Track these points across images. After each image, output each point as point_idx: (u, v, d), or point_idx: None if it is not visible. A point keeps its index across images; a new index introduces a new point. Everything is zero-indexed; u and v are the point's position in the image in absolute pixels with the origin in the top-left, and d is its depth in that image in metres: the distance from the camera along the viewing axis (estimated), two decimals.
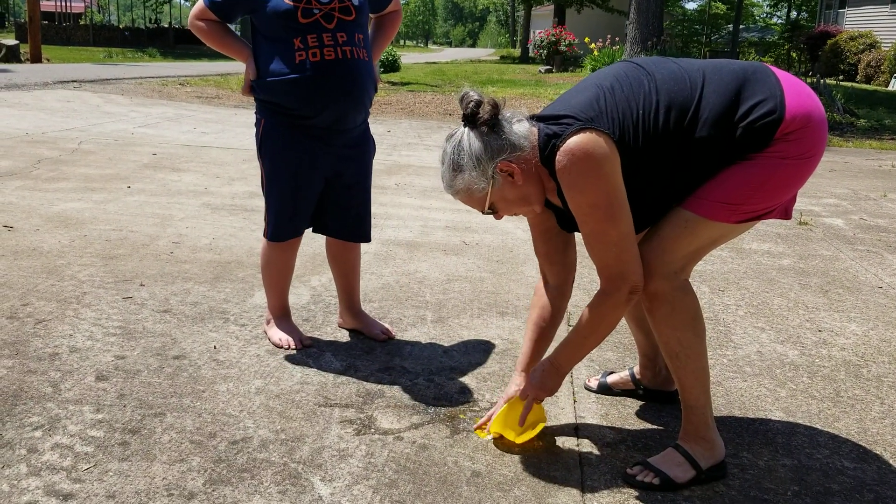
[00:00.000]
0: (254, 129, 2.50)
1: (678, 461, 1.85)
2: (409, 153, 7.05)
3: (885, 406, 2.31)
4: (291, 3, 2.27)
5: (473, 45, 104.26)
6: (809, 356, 2.68)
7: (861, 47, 20.28)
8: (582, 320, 1.82)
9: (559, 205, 1.85)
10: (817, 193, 5.84)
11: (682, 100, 1.70)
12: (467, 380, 2.37)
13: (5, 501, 1.66)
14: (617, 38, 19.69)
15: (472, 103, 1.76)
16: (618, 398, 2.29)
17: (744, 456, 1.99)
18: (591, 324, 1.81)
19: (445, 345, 2.65)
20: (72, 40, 29.35)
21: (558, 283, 2.04)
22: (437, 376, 2.39)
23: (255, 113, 2.46)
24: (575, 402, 2.26)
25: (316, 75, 2.28)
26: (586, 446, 2.01)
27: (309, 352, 2.53)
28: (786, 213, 1.84)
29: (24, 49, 18.66)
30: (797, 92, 1.71)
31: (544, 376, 1.92)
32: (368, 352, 2.56)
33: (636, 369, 2.29)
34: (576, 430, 2.10)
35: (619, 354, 2.62)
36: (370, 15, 2.53)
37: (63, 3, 33.43)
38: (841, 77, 19.68)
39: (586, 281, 3.27)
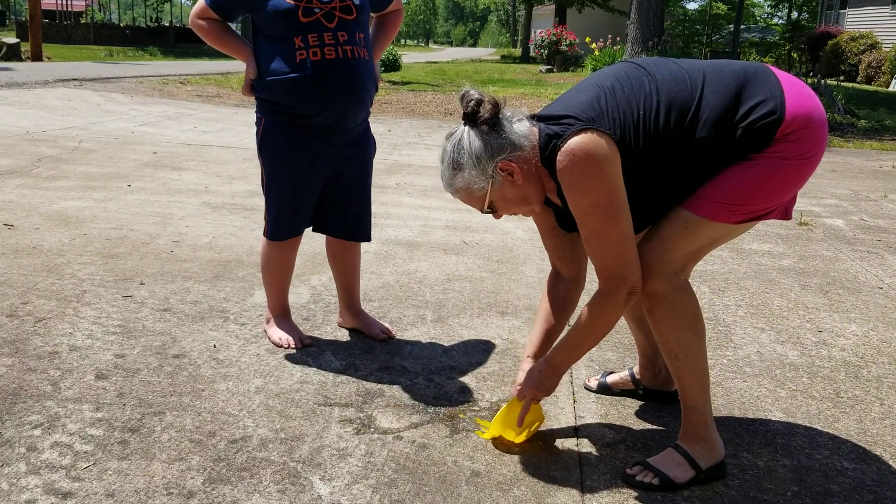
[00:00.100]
0: (254, 128, 2.50)
1: (678, 461, 1.85)
2: (410, 152, 7.05)
3: (884, 407, 2.31)
4: (292, 2, 2.26)
5: (474, 45, 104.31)
6: (809, 357, 2.67)
7: (862, 48, 20.27)
8: (580, 320, 1.82)
9: (559, 204, 1.85)
10: (818, 194, 5.84)
11: (683, 100, 1.70)
12: (467, 379, 2.37)
13: (4, 500, 1.66)
14: (618, 38, 19.69)
15: (473, 102, 1.76)
16: (617, 398, 2.28)
17: (743, 456, 1.99)
18: (589, 323, 1.81)
19: (445, 344, 2.64)
20: (72, 39, 29.37)
21: (572, 276, 2.05)
22: (437, 376, 2.39)
23: (256, 112, 2.46)
24: (574, 402, 2.26)
25: (316, 74, 2.28)
26: (586, 446, 2.01)
27: (309, 351, 2.53)
28: (786, 214, 1.84)
29: (25, 47, 18.67)
30: (797, 92, 1.71)
31: (542, 376, 1.92)
32: (368, 351, 2.56)
33: (636, 369, 2.29)
34: (575, 430, 2.09)
35: (618, 354, 2.62)
36: (371, 14, 2.53)
37: (64, 2, 33.48)
38: (842, 78, 19.67)
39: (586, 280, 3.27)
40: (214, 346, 2.51)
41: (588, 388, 2.34)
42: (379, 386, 2.30)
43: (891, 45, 19.41)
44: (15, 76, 12.39)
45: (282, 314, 2.63)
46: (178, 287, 3.07)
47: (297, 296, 3.01)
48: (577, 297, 2.07)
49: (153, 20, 38.70)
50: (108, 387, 2.20)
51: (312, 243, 3.57)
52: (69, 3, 34.02)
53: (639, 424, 2.14)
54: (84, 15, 35.42)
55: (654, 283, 1.76)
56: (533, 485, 1.82)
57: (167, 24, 35.47)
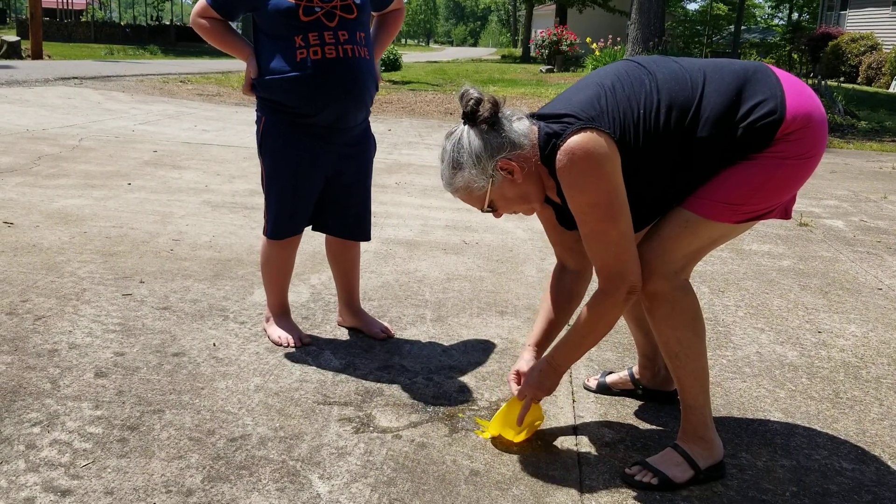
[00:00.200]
0: (254, 127, 2.50)
1: (677, 461, 1.85)
2: (410, 152, 7.05)
3: (883, 407, 2.31)
4: (293, 1, 2.26)
5: (475, 45, 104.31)
6: (809, 357, 2.67)
7: (862, 49, 20.27)
8: (580, 319, 1.83)
9: (559, 202, 1.85)
10: (818, 195, 5.84)
11: (683, 99, 1.70)
12: (466, 379, 2.37)
13: (4, 497, 1.66)
14: (618, 39, 19.69)
15: (473, 101, 1.76)
16: (617, 398, 2.28)
17: (742, 456, 1.99)
18: (589, 323, 1.81)
19: (445, 344, 2.65)
20: (73, 37, 29.38)
21: (577, 268, 2.05)
22: (437, 375, 2.39)
23: (256, 111, 2.46)
24: (574, 401, 2.26)
25: (317, 73, 2.28)
26: (585, 446, 2.01)
27: (308, 350, 2.53)
28: (786, 213, 1.84)
29: (26, 45, 18.66)
30: (798, 92, 1.71)
31: (542, 376, 1.92)
32: (367, 350, 2.56)
33: (635, 369, 2.29)
34: (574, 429, 2.09)
35: (618, 354, 2.62)
36: (372, 13, 2.53)
37: (64, 0, 33.45)
38: (842, 79, 19.66)
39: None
40: (214, 345, 2.52)
41: (587, 388, 2.34)
42: (378, 385, 2.30)
43: (891, 47, 19.40)
44: (15, 74, 12.39)
45: (281, 313, 2.63)
46: (177, 285, 3.07)
47: (297, 295, 3.01)
48: (583, 289, 2.06)
49: (154, 19, 38.72)
50: (107, 385, 2.20)
51: (312, 242, 3.57)
52: (70, 1, 34.03)
53: (638, 424, 2.14)
54: (84, 13, 35.41)
55: (654, 283, 1.76)
56: (532, 484, 1.82)
57: (168, 23, 35.50)
